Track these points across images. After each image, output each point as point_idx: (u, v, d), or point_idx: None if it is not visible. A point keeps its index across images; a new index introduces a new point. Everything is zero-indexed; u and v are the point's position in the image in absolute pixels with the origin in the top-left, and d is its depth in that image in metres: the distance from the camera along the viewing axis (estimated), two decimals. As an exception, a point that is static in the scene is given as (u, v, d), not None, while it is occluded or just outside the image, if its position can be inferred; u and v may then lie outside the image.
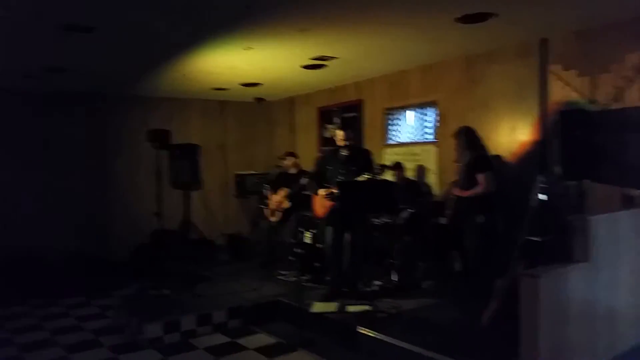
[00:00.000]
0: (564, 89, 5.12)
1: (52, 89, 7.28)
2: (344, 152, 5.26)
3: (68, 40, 4.81)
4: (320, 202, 5.32)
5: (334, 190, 5.05)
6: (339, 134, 5.28)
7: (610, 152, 4.65)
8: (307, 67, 6.46)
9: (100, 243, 7.67)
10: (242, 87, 7.74)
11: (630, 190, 4.56)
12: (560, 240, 4.18)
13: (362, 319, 4.54)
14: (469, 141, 4.97)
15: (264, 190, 7.08)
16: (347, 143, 5.24)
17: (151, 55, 5.72)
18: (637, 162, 4.53)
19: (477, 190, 4.78)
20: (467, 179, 4.87)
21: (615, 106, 4.76)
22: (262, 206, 7.12)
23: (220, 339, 4.83)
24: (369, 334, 4.26)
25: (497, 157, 5.43)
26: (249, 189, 8.63)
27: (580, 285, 3.61)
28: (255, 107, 9.42)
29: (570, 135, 4.60)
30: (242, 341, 4.75)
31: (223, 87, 7.71)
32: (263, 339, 4.81)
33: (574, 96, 5.03)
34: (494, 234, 4.74)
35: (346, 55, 5.92)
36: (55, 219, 7.41)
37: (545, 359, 3.31)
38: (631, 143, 4.59)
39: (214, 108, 9.08)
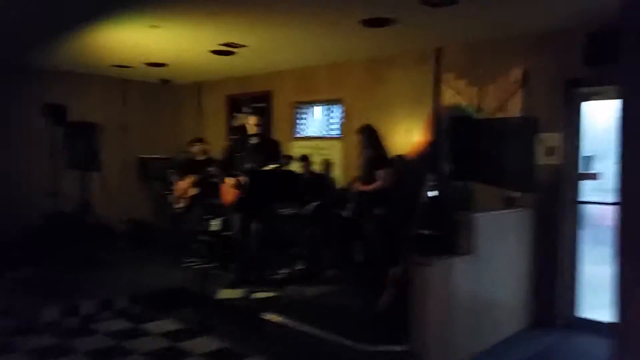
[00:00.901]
0: (455, 97, 5.63)
1: None
2: (254, 141, 5.38)
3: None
4: (228, 190, 5.42)
5: (241, 179, 5.17)
6: (252, 119, 5.38)
7: (493, 157, 5.24)
8: (215, 52, 6.40)
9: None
10: (146, 66, 7.50)
11: (511, 192, 5.16)
12: (447, 235, 4.67)
13: (267, 305, 4.75)
14: (371, 139, 5.32)
15: (169, 176, 7.00)
16: (258, 131, 5.36)
17: (48, 24, 5.36)
18: (515, 167, 5.17)
19: (377, 185, 5.13)
20: (368, 174, 5.21)
21: (498, 115, 5.33)
22: (167, 192, 7.04)
23: (122, 324, 4.79)
24: (274, 319, 4.48)
25: (398, 155, 5.84)
26: (153, 173, 8.44)
27: (465, 275, 4.05)
28: (161, 89, 9.17)
29: (458, 139, 5.11)
30: (146, 326, 4.75)
31: (126, 64, 7.44)
32: (168, 324, 4.84)
33: (463, 104, 5.56)
34: (390, 226, 5.13)
35: (256, 44, 5.99)
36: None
37: (433, 342, 3.72)
38: (511, 150, 5.21)
39: (116, 86, 8.70)
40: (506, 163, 5.21)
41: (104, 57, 6.94)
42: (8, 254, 6.69)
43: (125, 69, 7.73)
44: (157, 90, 9.15)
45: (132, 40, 5.97)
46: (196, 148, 6.99)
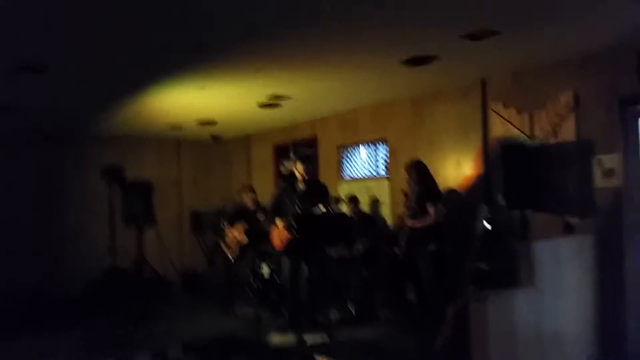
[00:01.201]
0: (504, 125, 5.47)
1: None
2: (302, 186, 5.39)
3: (18, 78, 4.78)
4: (278, 235, 5.41)
5: (291, 221, 5.15)
6: (299, 167, 5.41)
7: (549, 183, 5.00)
8: (263, 105, 6.63)
9: (52, 281, 7.40)
10: (198, 125, 7.81)
11: (569, 218, 4.87)
12: (506, 267, 4.43)
13: (320, 349, 4.59)
14: (420, 174, 5.21)
15: (221, 225, 7.09)
16: (306, 176, 5.37)
17: (105, 94, 5.74)
18: (573, 191, 4.89)
19: (428, 220, 4.97)
20: (419, 211, 5.07)
21: (551, 141, 5.12)
22: (220, 241, 7.11)
23: (177, 375, 4.76)
24: (328, 363, 4.32)
25: (449, 189, 5.68)
26: (205, 224, 8.59)
27: (526, 308, 3.81)
28: (212, 145, 9.48)
29: (511, 168, 4.92)
30: (199, 376, 4.69)
31: (178, 125, 7.76)
32: (221, 373, 4.77)
33: (513, 132, 5.38)
34: (445, 262, 4.93)
35: (300, 94, 6.13)
36: (5, 256, 7.13)
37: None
38: (567, 174, 4.96)
39: (170, 146, 9.09)
40: (563, 189, 4.94)
41: (157, 120, 7.28)
42: (69, 309, 6.91)
43: (177, 129, 8.05)
44: (208, 146, 9.46)
45: (183, 102, 6.26)
46: (245, 197, 7.07)
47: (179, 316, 6.29)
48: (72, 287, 7.26)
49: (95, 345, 5.17)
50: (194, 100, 6.20)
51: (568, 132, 5.00)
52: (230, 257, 6.81)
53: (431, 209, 5.00)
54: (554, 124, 5.10)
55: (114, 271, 6.70)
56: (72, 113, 6.60)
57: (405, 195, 5.55)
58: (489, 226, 4.43)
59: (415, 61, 4.86)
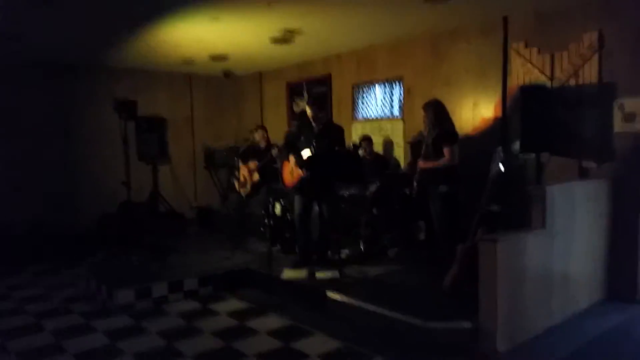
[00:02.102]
0: (525, 66, 5.33)
1: (13, 58, 7.07)
2: (316, 127, 5.34)
3: (26, 8, 4.70)
4: (290, 173, 5.42)
5: (303, 158, 5.15)
6: (308, 111, 5.35)
7: (567, 127, 4.92)
8: (275, 41, 6.48)
9: (66, 213, 7.55)
10: (209, 60, 7.70)
11: (586, 162, 4.82)
12: (518, 209, 4.44)
13: (330, 284, 4.72)
14: (437, 114, 5.05)
15: (234, 163, 7.13)
16: (319, 115, 5.31)
17: (115, 25, 5.62)
18: (591, 136, 4.82)
19: (442, 161, 4.90)
20: (433, 151, 4.98)
21: (572, 83, 5.00)
22: (232, 179, 7.18)
23: (192, 305, 4.93)
24: (337, 297, 4.44)
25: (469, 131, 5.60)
26: (218, 161, 8.66)
27: (537, 250, 3.84)
28: (224, 81, 9.38)
29: (530, 110, 4.83)
30: (213, 306, 4.86)
31: (190, 59, 7.65)
32: (234, 304, 4.93)
33: (534, 73, 5.25)
34: (456, 203, 4.94)
35: (314, 29, 5.97)
36: (22, 189, 7.28)
37: (503, 319, 3.54)
38: (586, 118, 4.87)
39: (182, 81, 9.00)
40: (581, 132, 4.87)
41: (169, 54, 7.18)
42: (86, 241, 7.11)
43: (189, 64, 7.95)
44: (220, 83, 9.37)
45: (195, 35, 6.13)
46: (257, 135, 7.07)
47: (193, 250, 6.45)
48: (91, 219, 7.46)
49: (112, 275, 5.33)
50: (206, 34, 6.08)
51: (590, 75, 4.87)
52: (242, 194, 6.89)
53: (446, 151, 4.89)
54: (576, 66, 4.95)
55: (129, 205, 6.81)
56: (81, 44, 6.50)
57: (410, 144, 5.36)
58: (503, 169, 4.38)
59: (437, -4, 4.69)
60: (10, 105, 7.26)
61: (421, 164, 5.12)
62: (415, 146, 5.77)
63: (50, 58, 7.29)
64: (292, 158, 5.28)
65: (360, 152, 6.06)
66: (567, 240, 4.13)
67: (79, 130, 7.88)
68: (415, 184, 5.21)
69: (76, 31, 5.77)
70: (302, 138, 5.36)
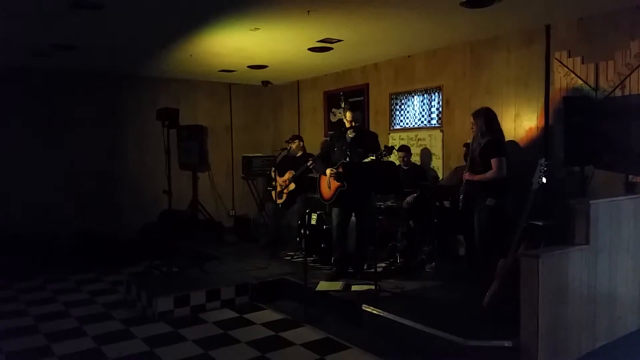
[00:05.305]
0: (568, 76, 5.19)
1: (64, 68, 7.35)
2: (351, 134, 5.33)
3: (76, 17, 4.86)
4: (327, 184, 5.42)
5: (340, 170, 5.14)
6: (348, 115, 5.32)
7: (613, 139, 4.74)
8: (313, 49, 6.52)
9: (110, 221, 7.78)
10: (248, 69, 7.82)
11: (633, 177, 4.64)
12: (561, 224, 4.30)
13: (366, 297, 4.67)
14: (488, 123, 4.77)
15: (271, 172, 7.18)
16: (355, 124, 5.30)
17: (159, 35, 5.78)
18: (637, 149, 4.63)
19: (489, 174, 4.67)
20: (481, 162, 4.74)
21: (618, 93, 4.83)
22: (269, 188, 7.23)
23: (228, 314, 4.98)
24: (373, 311, 4.39)
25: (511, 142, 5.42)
26: (255, 171, 8.75)
27: (580, 267, 3.70)
28: (262, 90, 9.50)
29: (574, 121, 4.68)
30: (249, 316, 4.89)
31: (230, 69, 7.78)
32: (270, 314, 4.95)
33: (577, 83, 5.10)
34: (502, 217, 4.76)
35: (352, 38, 5.98)
36: (66, 197, 7.53)
37: (544, 338, 3.43)
38: (634, 130, 4.68)
39: (221, 90, 9.16)
40: (627, 145, 4.68)
41: (209, 63, 7.33)
42: (126, 250, 7.29)
43: (229, 73, 8.09)
44: (258, 91, 9.48)
45: (235, 45, 6.24)
46: (294, 145, 7.10)
47: (230, 259, 6.51)
48: (133, 228, 7.65)
49: (152, 283, 5.44)
50: (245, 43, 6.17)
51: (638, 85, 4.70)
52: (279, 204, 6.93)
53: (495, 162, 4.64)
54: (622, 75, 4.79)
55: (170, 213, 6.94)
56: (127, 53, 6.70)
57: (467, 145, 5.24)
58: (545, 181, 4.24)
59: (475, 3, 4.60)
60: (62, 116, 7.55)
61: (467, 175, 4.88)
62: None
63: (96, 68, 7.54)
64: (328, 171, 5.27)
65: (395, 159, 5.96)
66: (612, 257, 3.97)
67: (123, 140, 8.11)
68: (461, 196, 4.98)
69: (123, 39, 5.94)
70: (336, 148, 5.36)
